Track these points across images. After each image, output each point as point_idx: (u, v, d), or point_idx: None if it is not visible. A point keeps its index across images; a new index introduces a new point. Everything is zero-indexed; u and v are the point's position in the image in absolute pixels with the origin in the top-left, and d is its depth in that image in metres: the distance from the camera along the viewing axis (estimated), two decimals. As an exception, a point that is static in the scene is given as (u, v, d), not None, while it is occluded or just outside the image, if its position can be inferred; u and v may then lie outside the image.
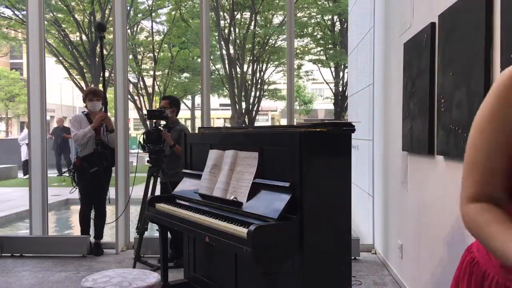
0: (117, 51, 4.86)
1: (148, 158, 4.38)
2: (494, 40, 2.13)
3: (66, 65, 17.76)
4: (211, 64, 17.20)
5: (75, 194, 4.79)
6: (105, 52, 5.64)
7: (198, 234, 2.81)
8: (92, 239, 4.85)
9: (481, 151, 1.03)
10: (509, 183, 1.01)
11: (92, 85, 15.62)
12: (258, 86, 18.64)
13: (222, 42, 17.19)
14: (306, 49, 19.57)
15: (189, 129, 4.99)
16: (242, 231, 2.36)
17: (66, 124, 14.95)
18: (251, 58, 18.04)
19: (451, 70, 2.59)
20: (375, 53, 4.99)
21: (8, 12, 16.73)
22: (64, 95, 32.61)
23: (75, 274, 4.16)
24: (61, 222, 8.12)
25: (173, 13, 18.27)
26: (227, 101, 20.71)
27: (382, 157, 4.59)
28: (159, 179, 4.47)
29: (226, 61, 17.49)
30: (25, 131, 13.29)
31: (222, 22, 17.26)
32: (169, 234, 3.82)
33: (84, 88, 16.40)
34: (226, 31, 17.26)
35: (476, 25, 2.26)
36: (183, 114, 27.20)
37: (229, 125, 19.23)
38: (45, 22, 6.05)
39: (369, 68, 5.16)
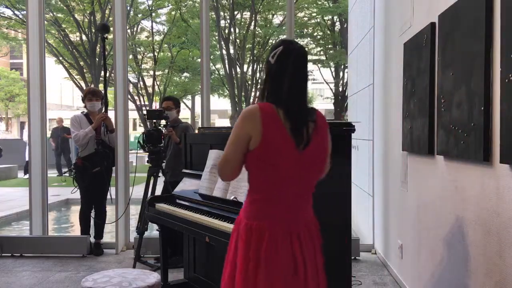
0: (117, 51, 4.87)
1: (148, 158, 4.37)
2: (494, 40, 2.13)
3: (66, 65, 17.75)
4: (211, 64, 17.19)
5: (76, 194, 4.78)
6: (105, 52, 5.64)
7: (198, 234, 2.81)
8: (92, 239, 4.85)
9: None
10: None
11: (92, 85, 15.61)
12: (258, 86, 18.63)
13: (222, 42, 17.17)
14: (306, 49, 19.51)
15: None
16: (242, 231, 2.35)
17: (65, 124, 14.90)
18: (251, 58, 18.03)
19: (451, 70, 2.59)
20: (375, 53, 4.98)
21: (8, 12, 16.72)
22: (64, 95, 32.60)
23: (75, 274, 4.16)
24: (61, 222, 8.12)
25: (173, 13, 18.25)
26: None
27: (382, 157, 4.59)
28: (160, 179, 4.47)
29: (226, 61, 17.48)
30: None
31: (222, 22, 17.25)
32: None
33: (84, 88, 16.37)
34: (226, 31, 17.25)
35: (476, 25, 2.26)
36: (183, 114, 27.17)
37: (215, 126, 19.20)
38: (45, 22, 6.05)
39: (369, 68, 5.16)
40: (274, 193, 1.80)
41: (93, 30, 16.66)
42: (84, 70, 17.56)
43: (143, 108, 18.14)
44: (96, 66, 16.81)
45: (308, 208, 1.92)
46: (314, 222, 1.96)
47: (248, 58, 18.06)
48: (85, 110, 4.92)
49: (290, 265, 1.78)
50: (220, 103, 22.90)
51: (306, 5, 17.71)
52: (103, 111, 4.89)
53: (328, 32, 18.68)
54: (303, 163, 1.79)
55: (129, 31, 17.65)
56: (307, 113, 1.83)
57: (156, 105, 18.68)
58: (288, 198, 1.81)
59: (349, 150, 2.72)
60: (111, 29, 4.84)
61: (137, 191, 4.68)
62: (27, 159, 13.17)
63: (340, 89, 18.90)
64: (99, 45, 16.42)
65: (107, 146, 4.79)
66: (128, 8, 16.79)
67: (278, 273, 1.76)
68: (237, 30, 17.73)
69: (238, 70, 17.69)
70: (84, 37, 17.20)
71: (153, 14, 18.48)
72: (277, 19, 18.64)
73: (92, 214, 4.89)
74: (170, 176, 4.37)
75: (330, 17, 18.20)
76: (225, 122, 30.69)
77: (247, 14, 18.05)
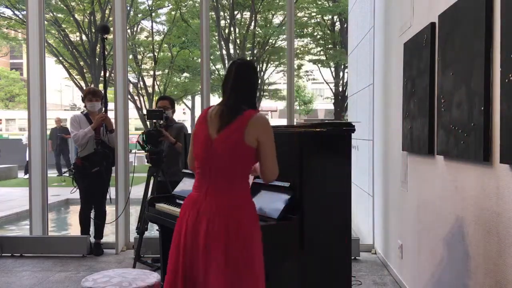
0: (117, 51, 4.87)
1: (147, 158, 4.36)
2: (494, 40, 2.13)
3: (66, 65, 17.75)
4: (211, 64, 17.18)
5: (76, 194, 4.78)
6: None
7: (198, 234, 2.80)
8: (92, 239, 4.85)
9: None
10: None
11: (92, 85, 15.60)
12: (258, 86, 18.61)
13: (222, 42, 17.18)
14: (306, 49, 19.56)
15: (189, 129, 4.99)
16: (242, 231, 2.35)
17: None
18: (251, 58, 18.03)
19: (451, 70, 2.59)
20: (375, 53, 4.98)
21: (8, 12, 16.72)
22: (64, 95, 32.59)
23: (75, 274, 4.16)
24: (61, 222, 8.12)
25: (173, 13, 18.25)
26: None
27: (382, 157, 4.59)
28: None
29: (226, 61, 17.48)
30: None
31: (222, 22, 17.25)
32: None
33: (84, 88, 16.36)
34: (226, 31, 17.26)
35: (476, 25, 2.26)
36: (182, 114, 27.17)
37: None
38: (45, 22, 6.05)
39: (369, 68, 5.16)
40: (197, 176, 2.16)
41: (93, 30, 16.65)
42: (84, 70, 17.55)
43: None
44: (96, 66, 16.79)
45: (227, 195, 2.07)
46: (236, 212, 2.05)
47: (248, 58, 18.06)
48: (85, 110, 4.92)
49: (195, 242, 2.05)
50: (220, 103, 22.89)
51: (306, 5, 17.72)
52: (103, 111, 4.89)
53: (328, 32, 18.69)
54: (214, 151, 2.08)
55: (129, 31, 17.64)
56: (235, 108, 2.11)
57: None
58: (204, 182, 2.11)
59: (349, 150, 2.73)
60: (111, 29, 4.84)
61: (137, 191, 4.68)
62: (27, 159, 13.20)
63: (340, 89, 18.91)
64: (99, 45, 16.41)
65: (107, 146, 4.78)
66: (128, 8, 16.78)
67: (189, 244, 2.07)
68: (237, 30, 17.73)
69: (238, 70, 17.65)
70: (84, 37, 17.20)
71: (153, 14, 18.49)
72: (277, 19, 18.64)
73: (92, 214, 4.89)
74: (168, 175, 4.35)
75: (330, 17, 18.21)
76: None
77: (247, 14, 18.05)
